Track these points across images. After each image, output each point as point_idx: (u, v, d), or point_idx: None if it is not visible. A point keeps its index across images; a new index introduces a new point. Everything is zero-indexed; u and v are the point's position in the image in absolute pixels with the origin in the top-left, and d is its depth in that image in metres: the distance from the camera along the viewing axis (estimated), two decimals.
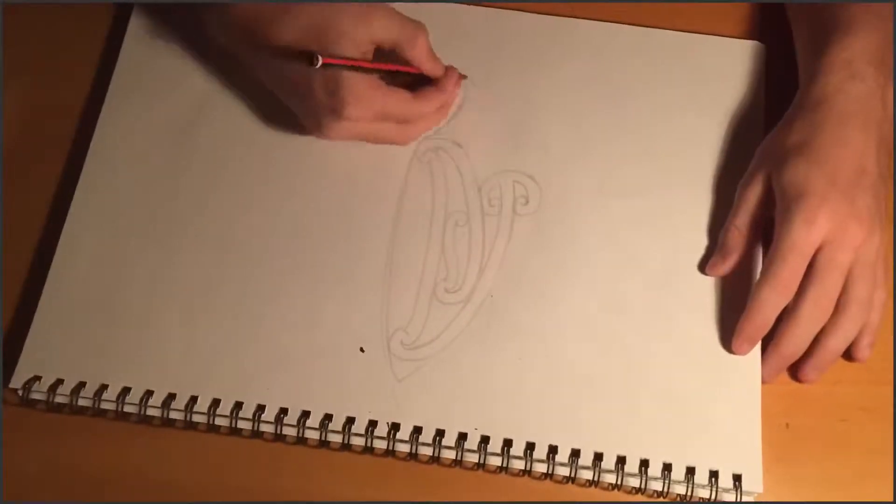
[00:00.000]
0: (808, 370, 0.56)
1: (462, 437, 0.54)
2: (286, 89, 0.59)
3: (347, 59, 0.55)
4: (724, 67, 0.65)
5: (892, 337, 0.58)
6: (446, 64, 0.61)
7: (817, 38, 0.59)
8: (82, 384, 0.56)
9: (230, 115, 0.63)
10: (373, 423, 0.55)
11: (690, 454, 0.54)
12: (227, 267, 0.59)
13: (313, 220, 0.60)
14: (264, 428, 0.55)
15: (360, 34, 0.56)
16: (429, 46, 0.59)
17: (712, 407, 0.55)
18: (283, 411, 0.55)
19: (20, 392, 0.55)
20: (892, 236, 0.57)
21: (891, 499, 0.55)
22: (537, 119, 0.63)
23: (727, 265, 0.58)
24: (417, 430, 0.55)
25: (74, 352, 0.57)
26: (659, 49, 0.65)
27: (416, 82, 0.60)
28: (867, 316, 0.55)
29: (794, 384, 0.57)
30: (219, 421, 0.55)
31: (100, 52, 0.66)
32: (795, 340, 0.55)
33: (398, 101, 0.59)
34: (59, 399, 0.55)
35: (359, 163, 0.61)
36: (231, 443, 0.56)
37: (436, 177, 0.61)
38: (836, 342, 0.55)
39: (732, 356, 0.56)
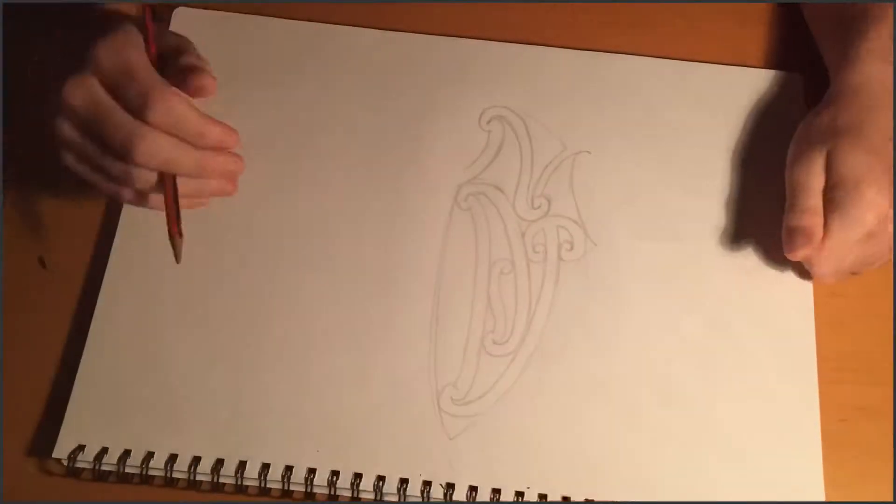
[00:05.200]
0: None
1: (519, 495, 0.54)
2: None
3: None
4: (764, 100, 0.64)
5: (892, 337, 0.58)
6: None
7: (849, 28, 0.60)
8: (128, 452, 0.54)
9: (264, 172, 0.61)
10: (427, 484, 0.54)
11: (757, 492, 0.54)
12: (271, 326, 0.57)
13: (356, 274, 0.58)
14: (317, 490, 0.54)
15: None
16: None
17: (774, 458, 0.55)
18: (335, 474, 0.54)
19: (65, 462, 0.54)
20: None
21: (891, 499, 0.55)
22: (577, 161, 0.62)
23: (810, 246, 0.56)
24: (473, 489, 0.54)
25: (117, 418, 0.55)
26: (698, 84, 0.64)
27: None
28: None
29: None
30: (270, 485, 0.54)
31: None
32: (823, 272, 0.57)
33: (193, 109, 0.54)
34: (105, 468, 0.54)
35: (399, 212, 0.60)
36: None
37: (478, 223, 0.60)
38: None
39: (790, 393, 0.56)
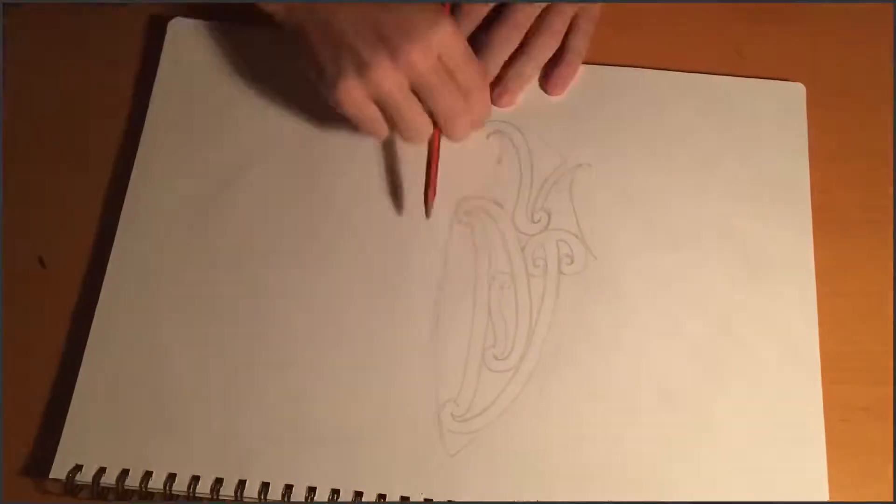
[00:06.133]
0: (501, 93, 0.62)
1: None
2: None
3: None
4: (766, 111, 0.63)
5: (892, 337, 0.58)
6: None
7: None
8: (126, 472, 0.54)
9: (262, 184, 0.61)
10: (428, 501, 0.53)
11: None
12: (267, 343, 0.57)
13: (355, 289, 0.58)
14: None
15: None
16: None
17: (777, 459, 0.55)
18: (336, 493, 0.54)
19: (64, 481, 0.54)
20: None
21: (891, 499, 0.55)
22: (577, 174, 0.61)
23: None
24: None
25: (115, 437, 0.55)
26: (699, 95, 0.64)
27: None
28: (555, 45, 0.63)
29: None
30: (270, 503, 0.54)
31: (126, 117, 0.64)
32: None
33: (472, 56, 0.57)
34: (103, 487, 0.54)
35: (399, 225, 0.60)
36: None
37: (478, 238, 0.60)
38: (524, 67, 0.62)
39: (794, 395, 0.56)
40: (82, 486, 0.54)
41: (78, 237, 0.60)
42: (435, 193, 0.58)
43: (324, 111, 0.58)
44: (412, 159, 0.61)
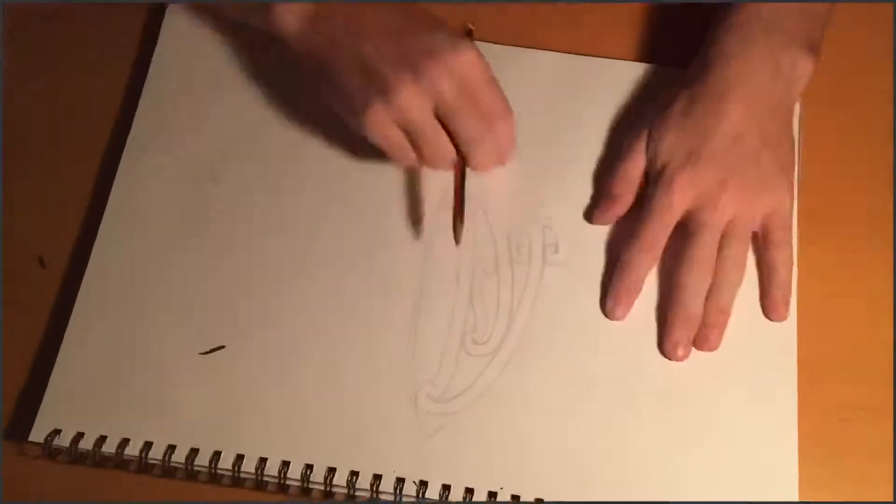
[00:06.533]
0: (707, 332, 0.56)
1: (492, 496, 0.53)
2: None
3: None
4: None
5: (892, 337, 0.58)
6: None
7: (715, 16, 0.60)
8: (103, 438, 0.55)
9: (250, 166, 0.62)
10: (400, 481, 0.54)
11: (732, 491, 0.54)
12: (249, 319, 0.58)
13: (338, 269, 0.59)
14: (290, 483, 0.54)
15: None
16: None
17: (750, 443, 0.55)
18: (309, 467, 0.54)
19: (42, 444, 0.54)
20: (792, 197, 0.58)
21: (891, 499, 0.55)
22: (565, 164, 0.62)
23: (614, 212, 0.59)
24: (446, 489, 0.54)
25: (95, 404, 0.56)
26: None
27: None
28: (741, 273, 0.57)
29: None
30: (244, 476, 0.54)
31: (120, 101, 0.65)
32: (684, 303, 0.56)
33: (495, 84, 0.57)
34: (80, 452, 0.54)
35: (385, 209, 0.60)
36: (256, 497, 0.55)
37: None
38: (719, 300, 0.56)
39: (767, 385, 0.56)
40: (60, 450, 0.55)
41: (69, 230, 0.61)
42: (463, 221, 0.57)
43: (311, 105, 0.60)
44: None
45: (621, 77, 0.64)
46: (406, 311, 0.58)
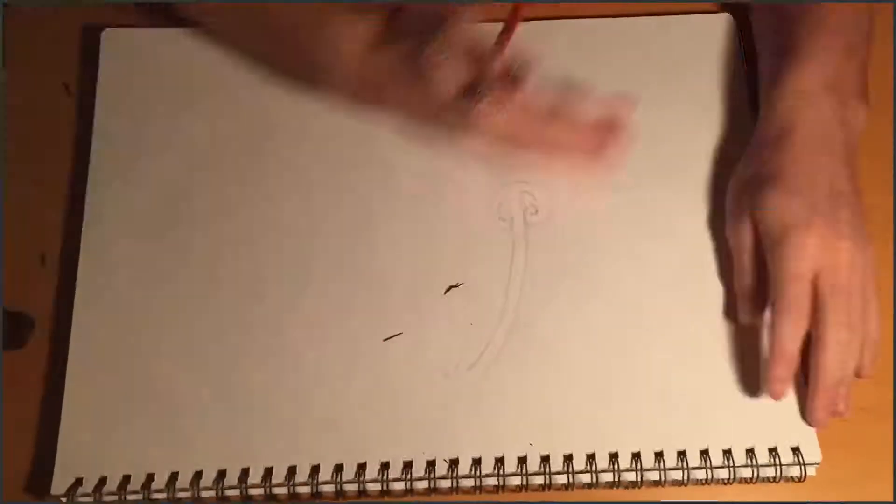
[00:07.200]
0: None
1: (522, 460, 0.54)
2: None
3: None
4: (698, 46, 0.65)
5: (892, 337, 0.58)
6: None
7: (774, 67, 0.59)
8: (127, 478, 0.54)
9: (227, 169, 0.62)
10: (431, 464, 0.54)
11: (744, 439, 0.55)
12: (252, 330, 0.57)
13: (331, 271, 0.59)
14: (323, 489, 0.54)
15: None
16: None
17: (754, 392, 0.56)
18: (339, 468, 0.54)
19: (64, 500, 0.53)
20: (872, 250, 0.56)
21: (891, 499, 0.55)
22: None
23: (757, 312, 0.57)
24: (476, 462, 0.54)
25: (111, 446, 0.55)
26: (632, 37, 0.65)
27: None
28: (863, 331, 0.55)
29: None
30: (275, 490, 0.54)
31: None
32: (833, 369, 0.53)
33: None
34: (106, 499, 0.54)
35: (369, 189, 0.61)
36: None
37: (449, 199, 0.61)
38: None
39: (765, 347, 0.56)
40: (86, 502, 0.54)
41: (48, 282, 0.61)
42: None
43: (266, 106, 0.61)
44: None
45: (566, 35, 0.65)
46: (407, 294, 0.58)
